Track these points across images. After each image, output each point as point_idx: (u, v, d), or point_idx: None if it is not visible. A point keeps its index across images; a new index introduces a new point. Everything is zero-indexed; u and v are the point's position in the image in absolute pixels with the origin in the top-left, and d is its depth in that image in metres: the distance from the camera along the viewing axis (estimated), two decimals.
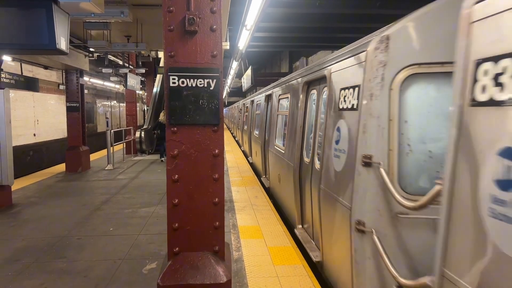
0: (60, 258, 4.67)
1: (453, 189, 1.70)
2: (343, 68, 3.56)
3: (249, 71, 23.31)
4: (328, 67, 4.00)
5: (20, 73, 11.17)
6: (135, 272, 4.26)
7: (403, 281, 2.26)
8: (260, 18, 6.87)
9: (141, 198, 7.66)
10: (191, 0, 2.45)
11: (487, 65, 1.52)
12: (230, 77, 22.92)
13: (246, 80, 25.04)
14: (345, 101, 3.36)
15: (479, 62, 1.57)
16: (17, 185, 8.91)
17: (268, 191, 7.96)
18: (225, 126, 37.80)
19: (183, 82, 2.50)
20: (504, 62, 1.43)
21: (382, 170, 2.68)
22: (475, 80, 1.59)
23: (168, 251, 2.59)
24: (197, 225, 2.57)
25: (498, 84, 1.45)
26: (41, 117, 17.34)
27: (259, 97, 10.08)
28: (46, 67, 12.29)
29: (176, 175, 2.53)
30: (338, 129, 3.47)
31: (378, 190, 2.75)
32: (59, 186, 8.96)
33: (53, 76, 17.99)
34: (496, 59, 1.48)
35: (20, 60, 11.48)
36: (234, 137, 24.44)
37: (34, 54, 7.48)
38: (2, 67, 7.59)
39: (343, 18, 11.59)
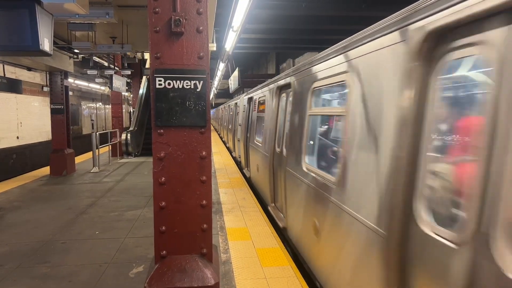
0: (44, 263, 4.58)
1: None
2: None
3: (236, 73, 23.29)
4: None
5: (2, 75, 10.96)
6: (121, 276, 4.21)
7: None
8: (246, 20, 6.87)
9: (127, 201, 7.58)
10: (177, 1, 2.43)
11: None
12: (217, 78, 22.87)
13: (233, 82, 25.02)
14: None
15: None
16: (0, 189, 8.74)
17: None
18: (212, 128, 37.66)
19: (169, 84, 2.48)
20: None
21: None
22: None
23: (155, 254, 2.56)
24: (185, 227, 2.55)
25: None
26: (24, 119, 17.02)
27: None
28: (29, 69, 12.06)
29: (163, 178, 2.51)
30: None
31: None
32: (43, 190, 8.80)
33: (36, 77, 17.69)
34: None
35: (2, 62, 11.25)
36: (221, 138, 24.38)
37: (17, 55, 7.32)
38: None
39: (329, 20, 11.70)
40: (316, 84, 4.15)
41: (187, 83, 2.50)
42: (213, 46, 9.44)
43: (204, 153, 2.56)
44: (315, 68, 4.18)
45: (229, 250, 4.74)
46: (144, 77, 16.46)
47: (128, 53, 10.39)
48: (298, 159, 4.56)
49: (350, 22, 11.61)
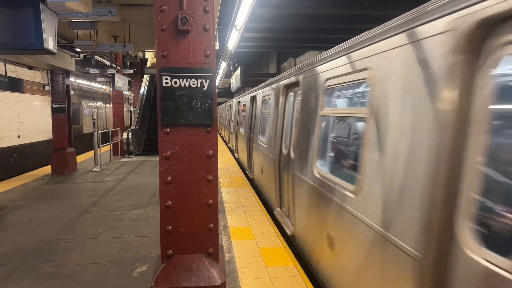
0: (47, 262, 4.58)
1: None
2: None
3: (238, 72, 23.29)
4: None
5: (4, 74, 10.94)
6: (125, 275, 4.20)
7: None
8: (250, 19, 6.86)
9: (129, 200, 7.56)
10: None
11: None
12: (218, 77, 22.85)
13: (235, 81, 25.02)
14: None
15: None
16: (2, 188, 8.74)
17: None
18: None
19: (176, 82, 2.46)
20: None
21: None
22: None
23: (161, 253, 2.54)
24: (191, 227, 2.54)
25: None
26: (25, 118, 17.01)
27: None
28: (31, 68, 12.08)
29: (169, 177, 2.50)
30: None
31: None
32: (45, 189, 8.80)
33: (37, 76, 17.68)
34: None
35: (4, 61, 11.23)
36: (222, 137, 24.39)
37: (21, 54, 7.28)
38: None
39: (331, 18, 11.67)
40: (263, 98, 7.91)
41: (193, 81, 2.48)
42: (216, 45, 9.41)
43: (210, 152, 2.55)
44: (262, 90, 8.17)
45: (232, 249, 4.72)
46: (145, 76, 16.43)
47: (130, 52, 10.37)
48: (257, 138, 8.37)
49: (352, 21, 11.59)
